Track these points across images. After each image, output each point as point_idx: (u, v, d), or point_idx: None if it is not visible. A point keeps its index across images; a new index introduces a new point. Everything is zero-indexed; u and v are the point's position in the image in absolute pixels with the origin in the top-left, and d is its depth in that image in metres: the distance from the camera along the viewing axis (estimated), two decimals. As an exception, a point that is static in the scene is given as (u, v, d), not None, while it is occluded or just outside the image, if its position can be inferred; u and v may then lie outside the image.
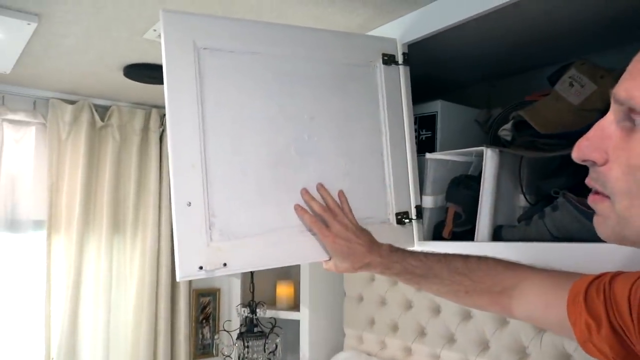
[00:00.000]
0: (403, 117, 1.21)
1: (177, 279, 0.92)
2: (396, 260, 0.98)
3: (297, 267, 2.24)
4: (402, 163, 1.20)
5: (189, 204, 0.93)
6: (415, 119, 1.38)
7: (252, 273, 2.30)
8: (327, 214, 1.03)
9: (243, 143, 1.00)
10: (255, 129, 1.02)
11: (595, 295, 0.70)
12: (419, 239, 1.20)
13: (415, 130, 1.40)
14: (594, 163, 0.55)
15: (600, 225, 0.56)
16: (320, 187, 1.06)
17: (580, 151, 0.55)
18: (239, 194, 0.99)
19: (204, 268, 0.93)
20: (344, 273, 1.03)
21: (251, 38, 1.04)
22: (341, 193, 1.08)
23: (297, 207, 1.03)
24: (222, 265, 0.95)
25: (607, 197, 0.54)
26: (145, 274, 2.19)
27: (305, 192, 1.04)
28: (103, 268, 2.11)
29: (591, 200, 0.57)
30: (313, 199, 1.04)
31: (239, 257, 0.97)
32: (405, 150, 1.21)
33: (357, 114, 1.14)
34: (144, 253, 2.20)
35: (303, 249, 1.03)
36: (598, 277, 0.73)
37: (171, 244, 2.23)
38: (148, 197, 2.23)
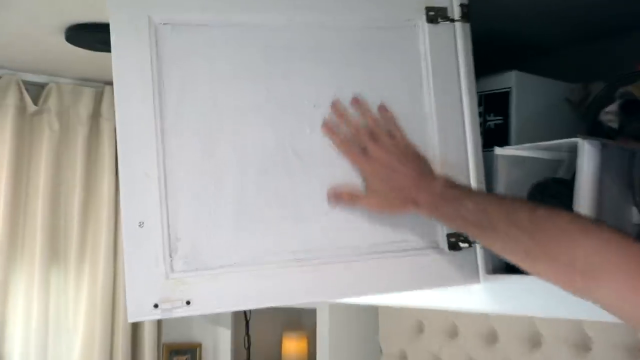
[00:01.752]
0: (460, 96, 1.22)
1: (129, 320, 1.01)
2: (449, 200, 1.06)
3: (312, 312, 2.26)
4: (460, 163, 1.21)
5: (141, 224, 1.01)
6: (479, 98, 1.39)
7: (247, 321, 2.33)
8: (365, 136, 1.12)
9: (218, 142, 1.07)
10: (235, 123, 1.08)
11: None
12: (486, 271, 1.21)
13: (480, 115, 1.40)
14: None
15: None
16: (356, 101, 1.14)
17: None
18: (212, 211, 1.05)
19: (160, 306, 1.01)
20: (382, 212, 1.12)
21: (231, 5, 1.10)
22: (383, 107, 1.15)
23: (326, 126, 1.12)
24: (184, 304, 1.02)
25: None
26: (95, 322, 2.24)
27: (337, 104, 1.13)
28: (35, 314, 2.15)
29: None
30: (347, 113, 1.13)
31: (209, 294, 1.04)
32: (464, 144, 1.22)
33: (387, 96, 1.17)
34: (94, 292, 2.24)
35: (304, 284, 1.09)
36: None
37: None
38: (100, 213, 2.28)
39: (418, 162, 1.12)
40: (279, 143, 1.10)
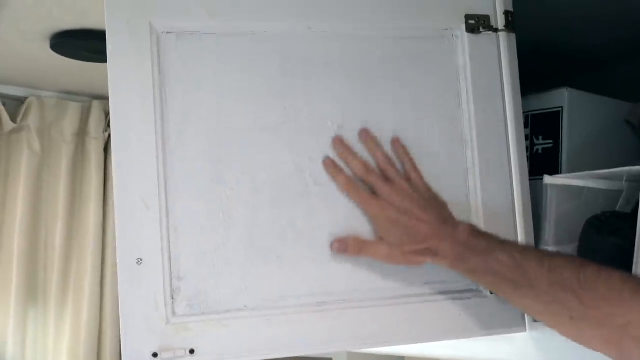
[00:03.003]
0: (504, 117, 1.23)
1: None
2: (477, 251, 1.05)
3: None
4: (503, 193, 1.21)
5: (139, 262, 1.02)
6: (526, 119, 1.39)
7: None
8: (372, 176, 1.11)
9: (227, 167, 1.08)
10: (247, 145, 1.10)
11: None
12: (533, 318, 1.21)
13: (527, 138, 1.40)
14: None
15: None
16: (365, 134, 1.14)
17: None
18: (220, 246, 1.06)
19: (159, 356, 1.01)
20: (392, 264, 1.11)
21: (243, 11, 1.12)
22: (397, 142, 1.15)
23: (328, 163, 1.11)
24: (187, 353, 1.02)
25: None
26: (78, 370, 2.24)
27: (339, 141, 1.12)
28: (10, 358, 2.15)
29: None
30: (351, 152, 1.12)
31: (216, 342, 1.04)
32: (509, 171, 1.22)
33: (421, 115, 1.18)
34: (77, 335, 2.25)
35: (324, 332, 1.09)
36: None
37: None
38: (85, 246, 2.29)
39: (437, 207, 1.12)
40: (296, 168, 1.11)
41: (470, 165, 1.20)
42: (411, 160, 1.14)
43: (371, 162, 1.12)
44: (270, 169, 1.10)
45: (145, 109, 1.05)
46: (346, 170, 1.11)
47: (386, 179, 1.11)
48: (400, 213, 1.08)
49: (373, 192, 1.10)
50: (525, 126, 1.37)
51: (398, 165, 1.13)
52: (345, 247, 1.10)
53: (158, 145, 1.05)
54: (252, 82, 1.11)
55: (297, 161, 1.11)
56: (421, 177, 1.13)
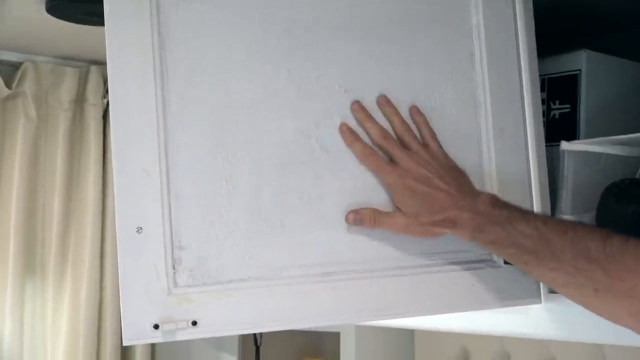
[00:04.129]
0: (520, 80, 1.22)
1: (124, 342, 1.01)
2: (498, 222, 1.04)
3: (334, 336, 2.25)
4: (518, 160, 1.21)
5: (139, 230, 1.02)
6: (542, 82, 1.38)
7: (257, 346, 2.33)
8: (391, 143, 1.11)
9: (230, 134, 1.07)
10: (250, 111, 1.09)
11: None
12: (549, 289, 1.21)
13: (543, 103, 1.40)
14: None
15: None
16: (384, 100, 1.14)
17: None
18: (223, 215, 1.06)
19: (161, 327, 1.01)
20: (409, 234, 1.11)
21: None
22: (415, 109, 1.15)
23: (344, 129, 1.11)
24: (189, 325, 1.02)
25: None
26: (78, 346, 2.24)
27: (358, 106, 1.12)
28: (8, 333, 2.16)
29: None
30: (370, 117, 1.12)
31: (219, 313, 1.04)
32: (524, 137, 1.22)
33: (433, 76, 1.17)
34: (77, 309, 2.25)
35: (331, 303, 1.09)
36: None
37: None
38: (84, 216, 2.29)
39: (457, 176, 1.12)
40: (302, 134, 1.11)
41: (483, 131, 1.20)
42: (430, 128, 1.14)
43: (389, 129, 1.12)
44: (275, 135, 1.09)
45: (144, 73, 1.04)
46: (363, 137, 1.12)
47: (404, 146, 1.11)
48: (418, 181, 1.08)
49: (390, 161, 1.10)
50: (542, 90, 1.37)
51: (416, 133, 1.13)
52: (361, 218, 1.10)
53: (158, 111, 1.04)
54: (256, 45, 1.10)
55: (303, 127, 1.11)
56: (439, 146, 1.13)
